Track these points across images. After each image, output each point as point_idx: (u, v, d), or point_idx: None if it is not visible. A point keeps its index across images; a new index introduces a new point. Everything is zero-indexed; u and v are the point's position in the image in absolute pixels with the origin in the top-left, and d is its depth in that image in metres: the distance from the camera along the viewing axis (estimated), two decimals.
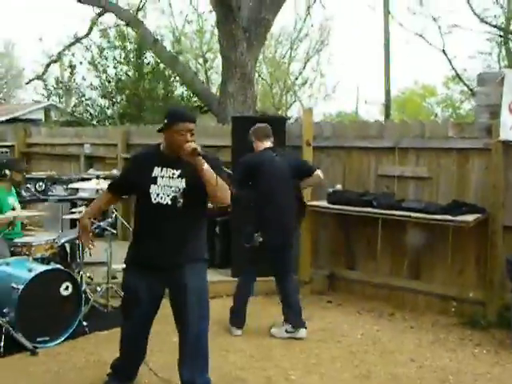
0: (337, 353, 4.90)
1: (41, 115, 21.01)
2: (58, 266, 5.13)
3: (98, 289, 5.81)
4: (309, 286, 6.63)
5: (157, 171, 3.53)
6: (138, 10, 12.75)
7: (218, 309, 5.72)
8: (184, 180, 3.50)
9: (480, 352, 4.96)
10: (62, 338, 4.92)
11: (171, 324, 3.80)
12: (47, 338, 4.83)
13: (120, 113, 12.42)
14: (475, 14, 18.10)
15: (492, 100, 5.67)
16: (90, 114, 14.10)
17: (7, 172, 5.76)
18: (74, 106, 14.76)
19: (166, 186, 3.51)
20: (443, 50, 20.14)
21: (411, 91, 37.57)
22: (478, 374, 4.48)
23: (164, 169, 3.53)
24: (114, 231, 5.73)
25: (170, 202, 3.51)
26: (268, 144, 5.33)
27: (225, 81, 11.05)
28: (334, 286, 6.75)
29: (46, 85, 15.48)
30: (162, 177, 3.52)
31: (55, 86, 16.15)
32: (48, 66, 16.47)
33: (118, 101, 12.35)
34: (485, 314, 5.59)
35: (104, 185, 5.64)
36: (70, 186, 6.19)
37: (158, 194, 3.52)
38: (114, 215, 5.60)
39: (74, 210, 5.75)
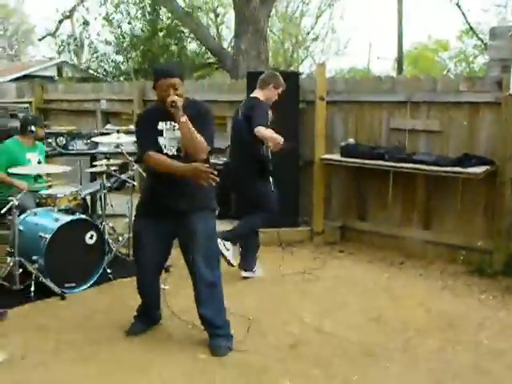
0: (349, 298, 5.13)
1: (54, 72, 21.07)
2: (83, 215, 5.36)
3: (120, 239, 6.05)
4: (321, 237, 6.85)
5: (161, 125, 3.79)
6: None
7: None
8: None
9: (486, 298, 5.18)
10: (88, 284, 5.20)
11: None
12: (74, 284, 5.10)
13: (134, 69, 12.50)
14: None
15: (504, 54, 5.76)
16: (105, 69, 14.20)
17: (33, 128, 5.94)
18: (88, 61, 14.83)
19: (171, 138, 3.79)
20: (457, 4, 19.99)
21: (424, 46, 37.14)
22: (484, 317, 4.70)
23: (167, 122, 3.78)
24: (135, 183, 5.91)
25: (175, 153, 3.79)
26: (254, 94, 5.45)
27: (238, 36, 11.14)
28: (346, 237, 6.97)
29: (62, 41, 15.51)
30: (167, 129, 3.79)
31: (68, 41, 16.21)
32: (60, 22, 16.54)
33: (133, 56, 12.43)
34: (491, 263, 5.79)
35: (125, 138, 5.85)
36: (92, 139, 6.36)
37: (165, 146, 3.79)
38: (134, 167, 5.77)
39: (95, 163, 5.94)
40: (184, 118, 3.64)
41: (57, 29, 16.64)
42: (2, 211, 4.97)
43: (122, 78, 13.36)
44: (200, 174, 3.64)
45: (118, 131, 5.84)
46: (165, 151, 3.79)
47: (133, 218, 6.20)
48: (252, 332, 4.27)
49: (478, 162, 5.74)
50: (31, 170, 5.24)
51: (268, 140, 5.14)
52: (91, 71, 15.41)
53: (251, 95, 5.45)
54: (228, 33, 20.19)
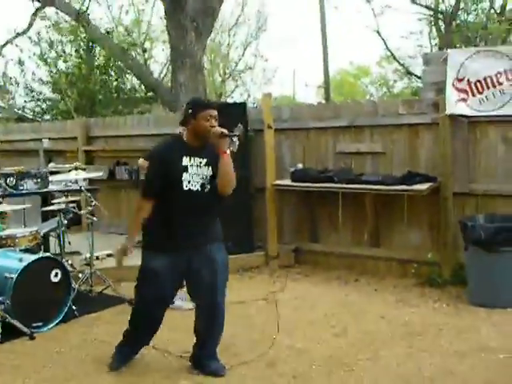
0: (313, 316, 5.34)
1: None
2: (47, 254, 5.37)
3: (80, 275, 6.06)
4: (276, 261, 7.05)
5: (186, 160, 3.79)
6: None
7: None
8: (210, 167, 3.83)
9: (440, 306, 5.50)
10: (55, 322, 5.18)
11: None
12: (41, 323, 5.07)
13: (74, 107, 12.50)
14: None
15: (437, 77, 6.18)
16: (42, 109, 14.10)
17: None
18: (25, 101, 14.71)
19: (195, 174, 3.80)
20: (377, 31, 20.85)
21: (346, 72, 38.40)
22: (441, 323, 5.00)
23: (192, 158, 3.81)
24: (95, 218, 5.96)
25: (199, 189, 3.82)
26: None
27: (175, 70, 11.31)
28: (301, 259, 7.19)
29: None
30: (192, 165, 3.80)
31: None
32: None
33: (69, 94, 12.43)
34: (441, 273, 6.13)
35: (83, 174, 5.91)
36: (54, 178, 6.36)
37: (189, 181, 3.79)
38: (93, 204, 5.83)
39: (55, 200, 5.95)
40: (229, 151, 3.73)
41: None
42: None
43: (59, 117, 13.29)
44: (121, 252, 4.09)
45: (76, 168, 5.88)
46: (188, 187, 3.80)
47: (87, 255, 6.37)
48: (227, 355, 4.38)
49: (422, 179, 6.11)
50: None
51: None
52: (18, 111, 15.26)
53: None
54: (157, 67, 20.35)
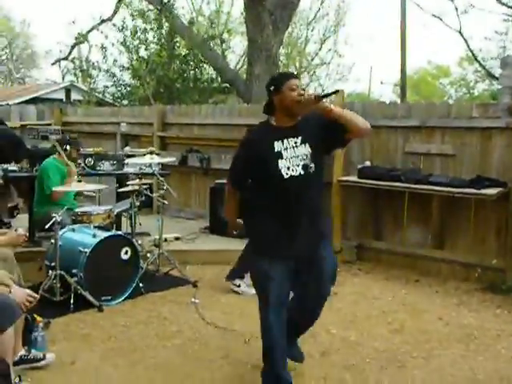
0: (370, 312, 5.40)
1: (62, 95, 21.49)
2: (119, 232, 5.65)
3: (148, 255, 6.32)
4: (339, 256, 7.11)
5: (278, 145, 3.37)
6: None
7: None
8: (308, 144, 3.40)
9: (501, 312, 5.45)
10: (123, 297, 5.47)
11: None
12: (110, 297, 5.37)
13: (152, 93, 12.89)
14: None
15: None
16: (122, 94, 14.60)
17: (68, 148, 6.27)
18: (106, 86, 15.26)
19: (293, 156, 3.37)
20: (459, 31, 20.42)
21: (424, 71, 37.73)
22: (501, 329, 4.97)
23: (285, 141, 3.38)
24: (165, 201, 6.21)
25: (302, 172, 3.37)
26: None
27: (251, 63, 11.52)
28: (362, 256, 7.24)
29: (75, 64, 15.90)
30: (286, 149, 3.37)
31: (81, 66, 16.62)
32: (73, 46, 16.93)
33: (148, 81, 12.82)
34: (505, 280, 6.06)
35: (157, 159, 6.18)
36: (133, 161, 6.67)
37: (288, 168, 3.36)
38: (165, 187, 6.08)
39: (129, 182, 6.24)
40: (333, 105, 3.28)
41: (69, 53, 17.00)
42: (46, 226, 5.24)
43: (137, 103, 13.73)
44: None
45: (151, 152, 6.14)
46: (288, 174, 3.36)
47: (156, 236, 6.62)
48: None
49: (491, 184, 6.05)
50: (75, 187, 5.52)
51: None
52: (98, 95, 15.81)
53: None
54: (234, 57, 20.61)
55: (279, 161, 3.36)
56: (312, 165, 3.39)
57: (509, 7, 19.16)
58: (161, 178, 6.07)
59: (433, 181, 6.30)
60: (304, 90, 3.34)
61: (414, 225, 6.85)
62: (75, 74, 17.53)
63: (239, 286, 5.81)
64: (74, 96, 19.74)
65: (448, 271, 6.54)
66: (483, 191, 5.92)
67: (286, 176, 3.36)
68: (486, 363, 4.28)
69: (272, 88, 3.40)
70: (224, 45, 20.80)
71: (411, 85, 33.99)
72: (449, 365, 4.24)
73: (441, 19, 19.94)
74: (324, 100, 3.23)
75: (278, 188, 3.39)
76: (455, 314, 5.40)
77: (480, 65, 22.01)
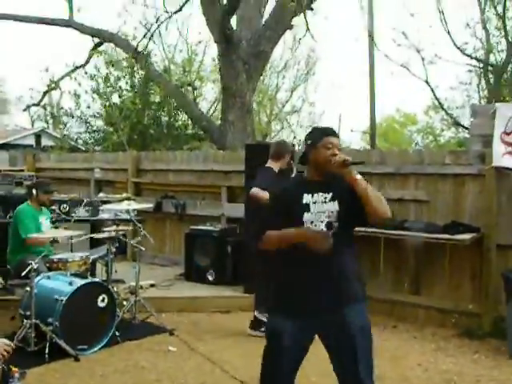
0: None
1: (32, 141, 21.44)
2: (96, 279, 5.58)
3: (125, 303, 6.23)
4: None
5: (307, 198, 3.26)
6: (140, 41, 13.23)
7: (235, 321, 6.28)
8: (337, 202, 3.25)
9: (479, 358, 5.48)
10: (99, 346, 5.36)
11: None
12: (86, 346, 5.26)
13: (121, 141, 12.92)
14: (457, 46, 18.94)
15: (485, 130, 6.27)
16: (95, 140, 14.60)
17: (33, 192, 6.24)
18: (79, 133, 15.28)
19: (319, 211, 3.23)
20: (426, 81, 20.96)
21: (392, 119, 38.53)
22: (480, 375, 4.99)
23: (315, 194, 3.26)
24: (143, 248, 6.17)
25: (324, 229, 3.21)
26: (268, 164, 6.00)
27: (225, 110, 11.63)
28: None
29: (46, 109, 15.90)
30: (315, 202, 3.25)
31: (52, 112, 16.63)
32: (45, 93, 16.92)
33: (122, 128, 12.87)
34: (481, 325, 6.11)
35: (135, 205, 6.15)
36: (109, 207, 6.63)
37: (311, 222, 3.22)
38: (142, 233, 6.04)
39: (106, 229, 6.19)
40: (359, 176, 3.15)
41: (41, 99, 16.99)
42: (23, 274, 5.15)
43: (110, 149, 13.74)
44: (315, 237, 3.15)
45: (128, 198, 6.13)
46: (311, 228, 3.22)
47: (131, 283, 6.55)
48: None
49: (465, 230, 6.14)
50: (50, 233, 5.46)
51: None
52: (71, 141, 15.80)
53: (266, 165, 5.85)
54: (204, 105, 20.87)
55: (305, 213, 3.23)
56: (336, 224, 3.21)
57: (472, 58, 19.77)
58: (138, 225, 6.04)
59: (408, 226, 6.38)
60: (340, 149, 3.26)
61: (391, 270, 6.89)
62: (46, 121, 17.54)
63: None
64: (45, 142, 19.71)
65: (425, 317, 6.56)
66: (457, 237, 6.01)
67: None
68: None
69: (309, 142, 3.34)
70: (196, 92, 21.10)
71: (380, 132, 34.60)
72: None
73: (408, 69, 20.42)
74: (351, 167, 3.14)
75: (298, 243, 3.17)
76: (433, 359, 5.41)
77: (446, 113, 22.48)
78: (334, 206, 3.24)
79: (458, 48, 19.07)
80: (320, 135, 3.32)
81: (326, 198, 3.26)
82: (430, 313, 6.53)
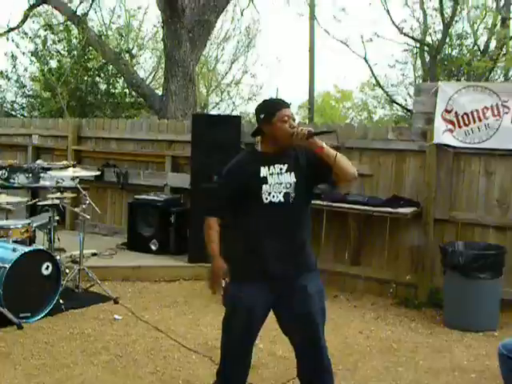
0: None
1: None
2: (41, 246, 5.48)
3: (67, 271, 6.14)
4: None
5: (264, 171, 3.28)
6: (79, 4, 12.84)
7: (180, 290, 6.32)
8: (293, 173, 3.29)
9: (416, 326, 5.70)
10: (43, 314, 5.30)
11: None
12: (29, 314, 5.19)
13: (60, 107, 12.56)
14: (395, 25, 19.25)
15: (427, 108, 6.45)
16: (32, 105, 14.12)
17: None
18: (16, 97, 14.73)
19: (277, 183, 3.26)
20: (365, 58, 21.27)
21: (328, 95, 38.99)
22: (417, 342, 5.22)
23: (271, 167, 3.29)
24: (88, 216, 6.08)
25: (282, 199, 3.25)
26: None
27: (168, 79, 11.48)
28: None
29: None
30: (272, 174, 3.28)
31: None
32: None
33: (62, 93, 12.48)
34: (417, 295, 6.37)
35: (81, 173, 6.04)
36: (52, 173, 6.46)
37: (269, 193, 3.25)
38: (87, 201, 5.96)
39: (49, 195, 6.05)
40: (324, 144, 3.16)
41: None
42: None
43: (47, 115, 13.34)
44: (212, 280, 3.32)
45: (73, 165, 6.01)
46: (268, 199, 3.24)
47: (73, 252, 6.47)
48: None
49: (406, 204, 6.35)
50: None
51: None
52: (6, 105, 15.25)
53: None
54: (141, 74, 20.52)
55: (263, 186, 3.25)
56: (293, 194, 3.26)
57: (409, 37, 20.15)
58: (83, 192, 5.94)
59: (351, 199, 6.53)
60: (294, 119, 3.25)
61: (332, 242, 7.05)
62: None
63: None
64: None
65: (364, 287, 6.77)
66: (399, 210, 6.21)
67: (265, 201, 3.25)
68: (407, 374, 4.48)
69: (262, 116, 3.30)
70: (133, 60, 20.69)
71: (316, 108, 34.95)
72: (373, 376, 4.41)
73: (347, 45, 20.64)
74: (316, 137, 3.15)
75: (257, 213, 3.27)
76: (374, 327, 5.60)
77: (383, 91, 22.94)
78: (291, 178, 3.28)
79: (396, 26, 19.39)
80: (273, 109, 3.27)
81: (281, 169, 3.29)
82: (370, 283, 6.75)
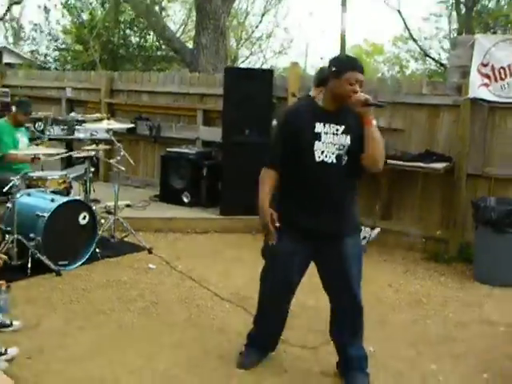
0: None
1: None
2: (78, 197, 5.61)
3: (102, 221, 6.29)
4: None
5: (319, 127, 3.25)
6: None
7: (211, 242, 6.40)
8: (349, 136, 3.25)
9: (445, 280, 5.76)
10: (80, 262, 5.46)
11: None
12: (67, 262, 5.35)
13: (92, 60, 12.61)
14: None
15: (463, 61, 6.35)
16: (65, 58, 14.20)
17: (13, 109, 6.16)
18: (47, 49, 14.81)
19: (331, 143, 3.24)
20: (398, 10, 20.87)
21: (360, 49, 38.36)
22: (447, 296, 5.27)
23: (327, 124, 3.25)
24: (123, 168, 6.19)
25: (335, 161, 3.24)
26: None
27: (199, 32, 11.45)
28: None
29: (10, 24, 15.35)
30: (326, 133, 3.25)
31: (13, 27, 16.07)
32: (10, 6, 16.33)
33: (94, 46, 12.52)
34: (447, 250, 6.39)
35: (115, 125, 6.12)
36: (87, 126, 6.55)
37: (322, 152, 3.24)
38: (122, 153, 6.05)
39: (85, 147, 6.14)
40: (375, 121, 3.19)
41: (5, 13, 16.39)
42: (5, 189, 5.14)
43: (79, 68, 13.41)
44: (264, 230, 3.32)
45: (108, 118, 6.10)
46: (321, 158, 3.24)
47: (107, 203, 6.60)
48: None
49: (438, 159, 6.32)
50: (31, 150, 5.43)
51: None
52: (40, 57, 15.31)
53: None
54: (173, 27, 20.43)
55: (316, 142, 3.24)
56: (345, 157, 3.25)
57: None
58: (118, 144, 6.03)
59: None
60: (362, 85, 3.20)
61: (363, 196, 7.01)
62: (5, 37, 16.96)
63: None
64: (6, 59, 19.06)
65: (395, 241, 6.80)
66: (431, 165, 6.19)
67: (317, 159, 3.24)
68: (435, 327, 4.55)
69: (334, 69, 3.24)
70: (163, 12, 20.57)
71: None
72: (402, 328, 4.49)
73: None
74: (371, 107, 3.17)
75: (307, 169, 3.28)
76: (403, 281, 5.66)
77: (416, 44, 22.53)
78: (346, 140, 3.26)
79: None
80: (346, 67, 3.21)
81: (337, 130, 3.26)
82: (400, 238, 6.78)
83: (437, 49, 23.24)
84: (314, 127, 3.25)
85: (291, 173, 3.34)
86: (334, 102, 3.26)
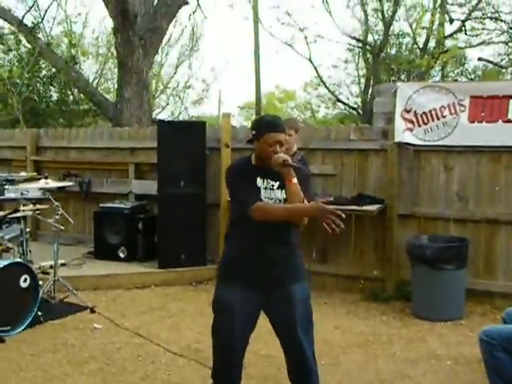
0: (269, 326, 5.64)
1: None
2: (18, 259, 5.46)
3: (41, 282, 6.10)
4: None
5: (259, 182, 3.37)
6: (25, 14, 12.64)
7: (153, 296, 6.37)
8: (284, 191, 3.36)
9: (387, 319, 5.95)
10: (23, 327, 5.27)
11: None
12: (9, 328, 5.15)
13: (13, 118, 12.34)
14: (337, 26, 19.73)
15: (387, 108, 6.71)
16: None
17: None
18: None
19: (268, 197, 3.35)
20: (309, 59, 21.64)
21: (272, 95, 39.33)
22: (391, 334, 5.45)
23: (265, 180, 3.38)
24: (62, 227, 6.09)
25: None
26: None
27: (121, 86, 11.48)
28: None
29: None
30: (265, 188, 3.38)
31: None
32: None
33: (13, 104, 12.26)
34: (385, 289, 6.62)
35: (53, 184, 6.02)
36: (20, 186, 6.37)
37: None
38: (60, 212, 5.96)
39: (22, 208, 5.98)
40: (295, 179, 3.25)
41: None
42: None
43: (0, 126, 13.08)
44: (326, 215, 3.15)
45: (46, 177, 6.00)
46: None
47: (41, 263, 6.44)
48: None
49: (371, 201, 6.59)
50: None
51: None
52: None
53: None
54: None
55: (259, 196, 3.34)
56: None
57: (352, 38, 20.59)
58: (56, 203, 5.93)
59: (318, 199, 6.72)
60: (282, 145, 3.30)
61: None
62: None
63: None
64: None
65: (332, 284, 6.98)
66: (365, 208, 6.44)
67: None
68: (386, 365, 4.70)
69: (254, 132, 3.37)
70: (77, 67, 20.44)
71: (261, 108, 35.21)
72: (356, 369, 4.61)
73: (292, 47, 20.97)
74: (290, 168, 3.25)
75: (252, 222, 3.24)
76: (348, 322, 5.81)
77: (328, 90, 23.41)
78: (282, 194, 3.37)
79: (338, 27, 19.86)
80: (264, 129, 3.31)
81: (273, 185, 3.38)
82: (338, 280, 6.96)
83: (346, 94, 24.19)
84: (256, 181, 3.36)
85: (238, 224, 3.43)
86: (261, 161, 3.37)
